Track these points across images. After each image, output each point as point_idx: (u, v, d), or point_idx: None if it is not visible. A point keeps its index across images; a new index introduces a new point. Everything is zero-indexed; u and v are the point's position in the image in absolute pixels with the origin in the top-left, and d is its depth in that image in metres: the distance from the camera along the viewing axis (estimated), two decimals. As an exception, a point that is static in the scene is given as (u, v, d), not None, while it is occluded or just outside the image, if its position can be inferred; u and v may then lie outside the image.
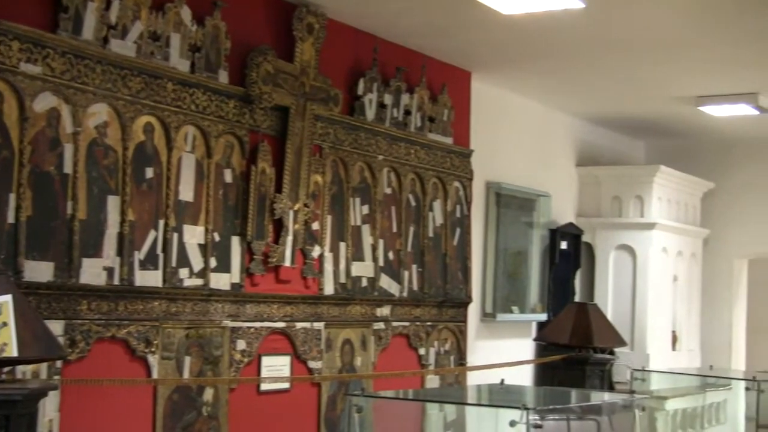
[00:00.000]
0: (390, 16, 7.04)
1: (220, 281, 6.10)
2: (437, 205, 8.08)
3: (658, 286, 10.40)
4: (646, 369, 8.65)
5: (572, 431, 5.20)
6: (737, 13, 6.76)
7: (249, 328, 6.29)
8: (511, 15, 6.72)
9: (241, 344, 6.22)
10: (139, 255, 5.59)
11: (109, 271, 5.39)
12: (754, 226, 11.65)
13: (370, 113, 7.34)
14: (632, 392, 6.53)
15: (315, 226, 6.82)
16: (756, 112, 9.46)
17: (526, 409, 4.05)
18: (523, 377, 9.23)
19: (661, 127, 11.02)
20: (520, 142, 9.63)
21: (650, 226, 10.29)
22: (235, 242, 6.23)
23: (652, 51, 7.81)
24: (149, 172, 5.67)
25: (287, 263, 6.57)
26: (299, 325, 6.68)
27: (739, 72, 8.40)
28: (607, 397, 6.91)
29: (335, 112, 6.93)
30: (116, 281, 5.43)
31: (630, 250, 10.36)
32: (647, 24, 7.08)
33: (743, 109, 9.42)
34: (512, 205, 9.33)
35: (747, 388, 6.68)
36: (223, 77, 6.12)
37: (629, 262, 10.36)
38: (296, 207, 6.60)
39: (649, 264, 10.27)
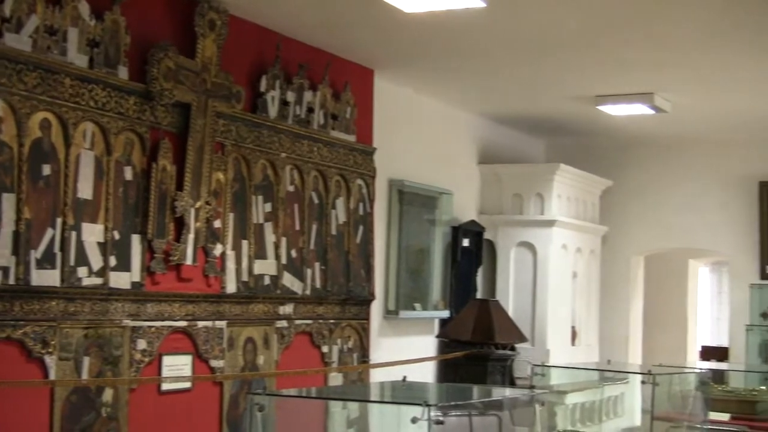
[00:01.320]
0: (293, 13, 7.02)
1: (120, 280, 6.01)
2: (340, 202, 8.09)
3: (558, 283, 10.56)
4: (546, 364, 8.76)
5: (474, 427, 5.24)
6: (635, 15, 6.89)
7: (150, 327, 6.22)
8: (414, 13, 6.75)
9: (141, 344, 6.14)
10: (36, 254, 5.47)
11: (4, 270, 5.27)
12: (651, 224, 11.92)
13: (273, 110, 7.31)
14: (532, 387, 6.60)
15: (217, 224, 6.76)
16: (652, 112, 9.65)
17: (428, 405, 4.06)
18: (426, 374, 9.29)
19: (561, 126, 11.18)
20: (423, 140, 9.69)
21: (550, 223, 10.44)
22: (136, 240, 6.15)
23: (552, 51, 7.92)
24: (46, 170, 5.56)
25: (189, 261, 6.50)
26: (201, 323, 6.61)
27: (636, 72, 8.56)
28: (508, 392, 6.97)
29: (237, 110, 6.88)
30: (12, 281, 5.30)
31: (531, 247, 10.50)
32: (547, 24, 7.18)
33: (640, 109, 9.60)
34: (415, 202, 9.38)
35: (643, 382, 6.80)
36: (123, 73, 6.02)
37: (530, 259, 10.49)
38: (198, 205, 6.54)
39: (549, 261, 10.42)
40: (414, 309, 9.34)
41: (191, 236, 6.50)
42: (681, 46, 7.67)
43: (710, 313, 18.01)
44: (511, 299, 10.40)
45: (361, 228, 8.35)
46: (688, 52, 7.84)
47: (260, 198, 7.21)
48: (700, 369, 8.37)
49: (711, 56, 7.94)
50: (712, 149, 11.62)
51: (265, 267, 7.23)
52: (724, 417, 7.78)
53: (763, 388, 8.36)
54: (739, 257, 11.60)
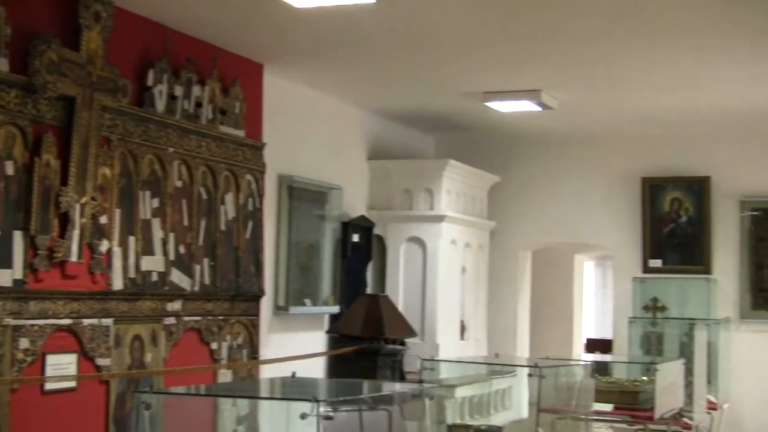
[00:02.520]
0: (180, 6, 6.93)
1: (1, 278, 5.86)
2: (229, 198, 8.02)
3: (447, 278, 10.64)
4: (436, 359, 8.84)
5: (364, 422, 5.26)
6: (522, 12, 6.98)
7: (33, 325, 6.07)
8: (303, 8, 6.73)
9: (24, 343, 5.99)
10: None
11: None
12: (538, 219, 12.11)
13: (161, 105, 7.21)
14: (421, 382, 6.65)
15: (103, 219, 6.64)
16: (539, 109, 9.79)
17: (317, 401, 4.06)
18: (316, 370, 9.27)
19: (450, 122, 11.28)
20: (313, 135, 9.67)
21: (440, 218, 10.52)
22: (18, 237, 5.99)
23: (441, 47, 7.98)
24: (-77, 164, 5.39)
25: (73, 258, 6.37)
26: (86, 321, 6.49)
27: (524, 69, 8.68)
28: (398, 387, 7.01)
29: (124, 103, 6.77)
30: None
31: (420, 242, 10.56)
32: (437, 21, 7.23)
33: (527, 106, 9.74)
34: (304, 198, 9.36)
35: (530, 375, 6.91)
36: (3, 65, 5.87)
37: (419, 254, 10.55)
38: (83, 200, 6.41)
39: (439, 256, 10.50)
40: (304, 305, 9.31)
41: (76, 232, 6.37)
42: (568, 44, 7.80)
43: (595, 307, 18.38)
44: (400, 294, 10.44)
45: (250, 223, 8.29)
46: (574, 50, 7.98)
47: (148, 193, 7.11)
48: (585, 361, 8.54)
49: (597, 54, 8.09)
50: (597, 146, 11.86)
51: (153, 263, 7.13)
52: (608, 407, 7.95)
53: (645, 378, 8.57)
54: (622, 251, 11.86)
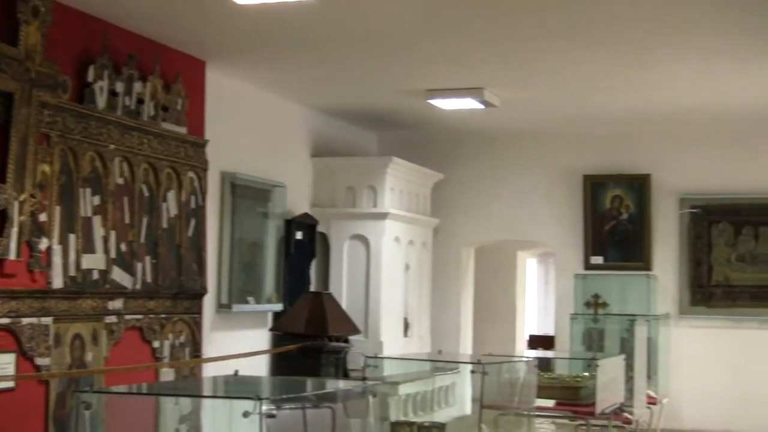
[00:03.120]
0: (120, 1, 6.86)
1: (-62, 276, 5.76)
2: (171, 195, 7.96)
3: (390, 275, 10.66)
4: (379, 356, 8.84)
5: (308, 420, 5.24)
6: (466, 11, 7.01)
7: (-30, 325, 5.98)
8: (246, 4, 6.70)
9: (-39, 342, 5.90)
10: None
11: None
12: (481, 216, 12.17)
13: (101, 101, 7.13)
14: (365, 379, 6.65)
15: (42, 217, 6.55)
16: (482, 107, 9.84)
17: (259, 399, 4.04)
18: (259, 368, 9.24)
19: (394, 120, 11.29)
20: (256, 132, 9.63)
21: (383, 216, 10.53)
22: (-45, 235, 5.90)
23: (384, 45, 7.99)
24: None
25: (12, 256, 6.28)
26: (25, 320, 6.40)
27: (467, 67, 8.71)
28: (341, 384, 7.00)
29: (63, 100, 6.68)
30: None
31: (364, 239, 10.57)
32: (380, 18, 7.23)
33: (470, 103, 9.78)
34: (247, 195, 9.32)
35: (472, 371, 6.94)
36: (-60, 60, 5.78)
37: (363, 252, 10.56)
38: (22, 198, 6.32)
39: (382, 253, 10.51)
40: (247, 302, 9.28)
41: (15, 230, 6.28)
42: (510, 43, 7.84)
43: (537, 303, 18.53)
44: (344, 292, 10.44)
45: (193, 221, 8.24)
46: (517, 49, 8.02)
47: (88, 191, 7.03)
48: (527, 357, 8.58)
49: (539, 53, 8.15)
50: (539, 144, 11.95)
51: (94, 261, 7.05)
52: (550, 403, 8.01)
53: (586, 374, 8.65)
54: (564, 248, 11.97)
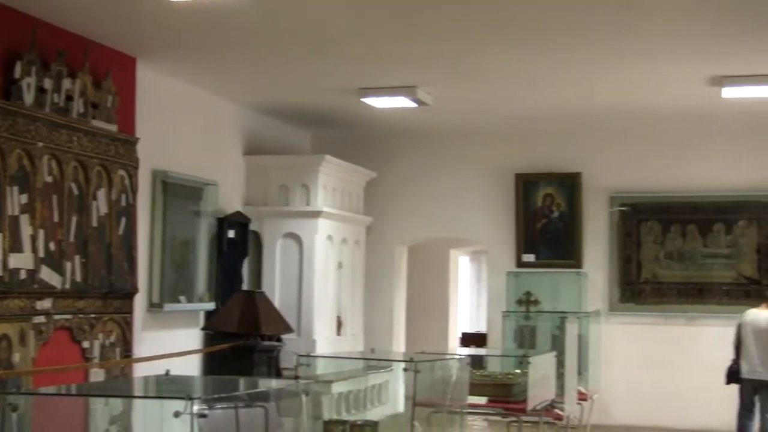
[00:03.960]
0: (50, -3, 6.77)
1: None
2: (101, 194, 7.87)
3: (323, 273, 10.65)
4: (312, 354, 8.83)
5: (240, 419, 5.21)
6: (398, 9, 7.03)
7: None
8: (178, 1, 6.64)
9: None
10: None
11: None
12: (414, 214, 12.20)
13: (29, 98, 7.02)
14: (297, 378, 6.64)
15: (-32, 216, 6.44)
16: (414, 105, 9.87)
17: (191, 398, 4.01)
18: (191, 368, 9.17)
19: (327, 118, 11.28)
20: (188, 130, 9.56)
21: (316, 214, 10.51)
22: None
23: (317, 43, 7.97)
24: None
25: (-63, 256, 6.16)
26: (-49, 321, 6.29)
27: (400, 66, 8.73)
28: (274, 383, 6.98)
29: (-10, 96, 6.57)
30: None
31: (296, 238, 10.54)
32: (313, 16, 7.21)
33: (403, 102, 9.80)
34: (179, 193, 9.24)
35: (405, 369, 6.96)
36: None
37: (296, 250, 10.53)
38: (-53, 196, 6.20)
39: (315, 251, 10.49)
40: (179, 302, 9.20)
41: (-61, 229, 6.17)
42: (443, 41, 7.87)
43: (470, 301, 18.63)
44: (277, 290, 10.41)
45: (123, 220, 8.15)
46: (449, 47, 8.06)
47: (15, 189, 6.91)
48: (460, 355, 8.62)
49: (471, 51, 8.19)
50: (472, 142, 12.02)
51: (21, 261, 6.94)
52: (482, 400, 8.05)
53: (518, 371, 8.71)
54: (497, 246, 12.05)
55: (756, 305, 9.64)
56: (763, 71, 8.62)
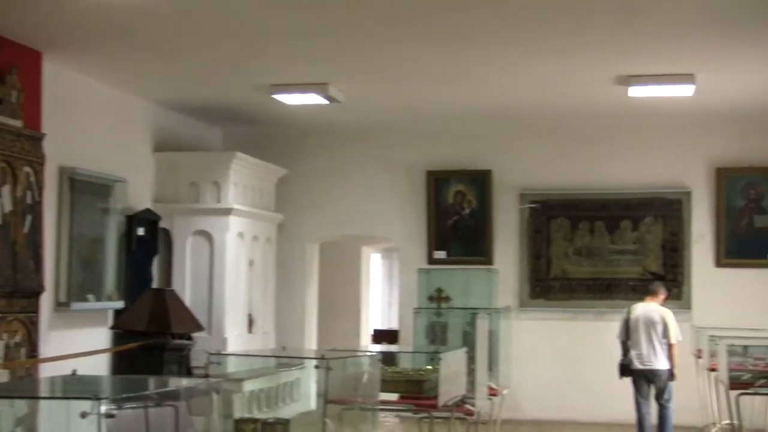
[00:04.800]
0: (-49, -11, 6.60)
1: None
2: (6, 191, 7.71)
3: (234, 271, 10.58)
4: (223, 353, 8.77)
5: (150, 419, 5.15)
6: (310, 6, 7.01)
7: None
8: (84, -5, 6.54)
9: None
10: None
11: None
12: (325, 212, 12.19)
13: (-70, 92, 6.85)
14: (207, 376, 6.59)
15: None
16: (326, 102, 9.85)
17: (98, 399, 3.95)
18: (100, 367, 9.04)
19: (238, 115, 11.21)
20: (96, 126, 9.41)
21: (227, 211, 10.44)
22: None
23: (228, 39, 7.91)
24: None
25: None
26: None
27: (311, 63, 8.71)
28: (184, 382, 6.91)
29: None
30: None
31: (207, 235, 10.45)
32: (224, 12, 7.16)
33: (314, 99, 9.78)
34: (87, 190, 9.09)
35: (316, 366, 6.94)
36: None
37: (207, 248, 10.45)
38: None
39: (226, 249, 10.42)
40: (87, 300, 9.06)
41: None
42: (354, 39, 7.88)
43: (382, 298, 18.68)
44: (187, 288, 10.31)
45: (29, 217, 7.99)
46: (361, 45, 8.07)
47: None
48: (371, 352, 8.65)
49: (382, 49, 8.21)
50: (384, 139, 12.05)
51: None
52: (394, 397, 8.07)
53: (429, 367, 8.75)
54: (408, 243, 12.10)
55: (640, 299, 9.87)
56: (668, 71, 8.81)
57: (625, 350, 9.58)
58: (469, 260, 11.87)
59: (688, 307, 11.16)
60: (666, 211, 11.56)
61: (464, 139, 11.89)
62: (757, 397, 9.33)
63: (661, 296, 9.68)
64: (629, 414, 9.96)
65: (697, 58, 8.42)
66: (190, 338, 9.06)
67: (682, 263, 11.50)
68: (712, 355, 9.52)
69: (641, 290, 11.36)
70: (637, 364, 9.46)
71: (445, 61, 8.59)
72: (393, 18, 7.28)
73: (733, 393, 8.52)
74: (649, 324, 9.43)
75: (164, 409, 5.30)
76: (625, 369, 9.57)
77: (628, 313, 9.60)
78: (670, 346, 9.37)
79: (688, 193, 11.50)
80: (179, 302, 9.11)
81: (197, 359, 9.06)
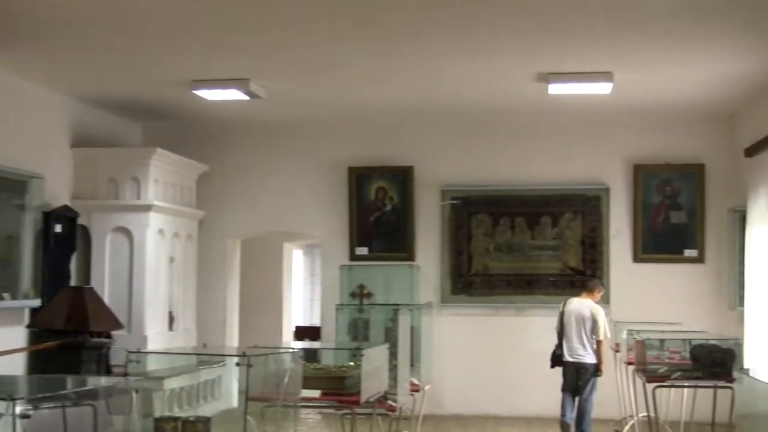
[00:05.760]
0: None
1: None
2: None
3: (155, 268, 10.48)
4: (143, 351, 8.67)
5: (68, 418, 5.08)
6: (230, 2, 6.96)
7: None
8: (-1, -12, 6.41)
9: None
10: None
11: None
12: (247, 208, 12.13)
13: None
14: (127, 375, 6.51)
15: None
16: (247, 98, 9.80)
17: (13, 399, 3.88)
18: (16, 367, 8.88)
19: (158, 110, 11.09)
20: (11, 121, 9.24)
21: (147, 208, 10.32)
22: None
23: (148, 33, 7.83)
24: None
25: None
26: None
27: (232, 58, 8.66)
28: (103, 381, 6.83)
29: None
30: None
31: (127, 232, 10.33)
32: (144, 6, 7.08)
33: (235, 95, 9.73)
34: (2, 187, 8.95)
35: (237, 364, 6.90)
36: None
37: (126, 245, 10.33)
38: None
39: (146, 246, 10.31)
40: (2, 299, 8.92)
41: None
42: (275, 34, 7.85)
43: (304, 295, 18.66)
44: (106, 286, 10.18)
45: (-58, 214, 7.82)
46: (282, 41, 8.04)
47: None
48: (293, 349, 8.61)
49: (303, 45, 8.20)
50: (306, 136, 12.02)
51: None
52: (316, 393, 8.06)
53: (351, 364, 8.76)
54: (330, 240, 12.09)
55: (578, 294, 10.01)
56: (587, 69, 8.93)
57: (559, 342, 9.75)
58: (390, 256, 11.90)
59: (606, 302, 11.33)
60: (585, 207, 11.71)
61: (386, 135, 11.91)
62: (673, 390, 9.51)
63: (597, 294, 9.89)
64: (550, 408, 10.09)
65: (615, 57, 8.54)
66: (109, 336, 8.95)
67: (600, 258, 11.66)
68: (630, 349, 9.69)
69: (561, 285, 11.54)
70: (567, 357, 9.66)
71: (367, 58, 8.61)
72: (314, 14, 7.27)
73: (650, 386, 8.66)
74: (580, 319, 9.61)
75: (82, 409, 5.24)
76: (556, 359, 9.76)
77: (563, 306, 9.78)
78: (598, 343, 9.55)
79: (607, 190, 11.67)
80: (98, 300, 8.99)
81: (116, 358, 8.95)
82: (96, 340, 8.70)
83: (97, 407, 5.26)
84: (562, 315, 9.78)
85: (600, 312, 9.66)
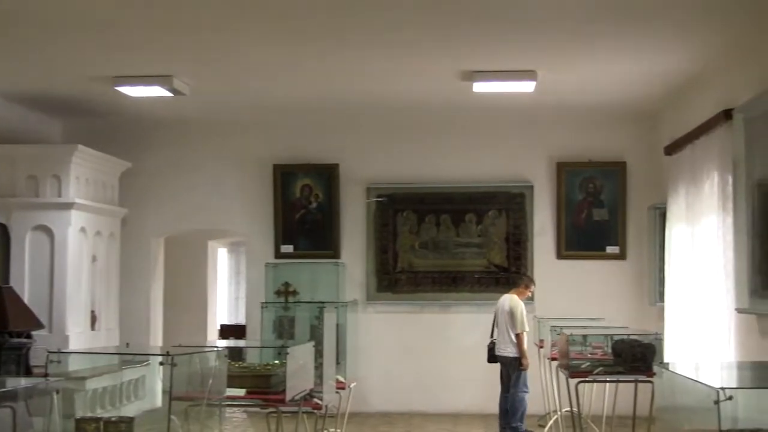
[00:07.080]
0: None
1: None
2: None
3: (77, 267, 10.33)
4: (63, 351, 8.54)
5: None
6: (151, -4, 6.91)
7: None
8: None
9: None
10: None
11: None
12: (171, 206, 12.03)
13: None
14: (47, 375, 6.41)
15: None
16: (170, 95, 9.72)
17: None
18: (-68, 368, 8.69)
19: (79, 107, 10.94)
20: (-73, 117, 9.05)
21: (68, 206, 10.18)
22: None
23: (69, 28, 7.72)
24: None
25: None
26: None
27: (155, 55, 8.58)
28: (22, 382, 6.72)
29: None
30: None
31: (47, 230, 10.17)
32: (64, 1, 6.97)
33: (158, 91, 9.64)
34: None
35: (161, 363, 6.83)
36: None
37: (47, 243, 10.17)
38: None
39: (68, 245, 10.17)
40: None
41: None
42: (199, 31, 7.79)
43: (229, 293, 18.55)
44: (26, 285, 10.01)
45: None
46: (206, 37, 7.99)
47: None
48: (217, 347, 8.56)
49: (226, 42, 8.15)
50: (230, 133, 11.95)
51: None
52: (241, 392, 8.02)
53: (277, 362, 8.73)
54: (255, 237, 12.04)
55: (507, 291, 10.17)
56: (511, 67, 9.00)
57: (491, 336, 9.95)
58: (316, 254, 11.88)
59: (530, 298, 11.44)
60: (509, 204, 11.81)
61: (311, 132, 11.89)
62: (596, 384, 9.64)
63: (525, 289, 10.03)
64: (476, 404, 10.16)
65: (538, 56, 8.62)
66: (29, 336, 8.80)
67: (525, 255, 11.77)
68: (553, 344, 9.80)
69: (486, 282, 11.64)
70: (496, 350, 9.78)
71: (290, 55, 8.58)
72: (236, 12, 7.23)
73: (573, 381, 8.77)
74: (503, 313, 9.78)
75: (1, 411, 5.16)
76: (491, 354, 9.91)
77: (498, 302, 9.96)
78: (517, 336, 9.68)
79: (531, 187, 11.78)
80: (17, 299, 8.84)
81: (37, 358, 8.81)
82: (15, 340, 8.55)
83: (16, 409, 5.18)
84: (496, 311, 9.97)
85: (518, 305, 9.80)
